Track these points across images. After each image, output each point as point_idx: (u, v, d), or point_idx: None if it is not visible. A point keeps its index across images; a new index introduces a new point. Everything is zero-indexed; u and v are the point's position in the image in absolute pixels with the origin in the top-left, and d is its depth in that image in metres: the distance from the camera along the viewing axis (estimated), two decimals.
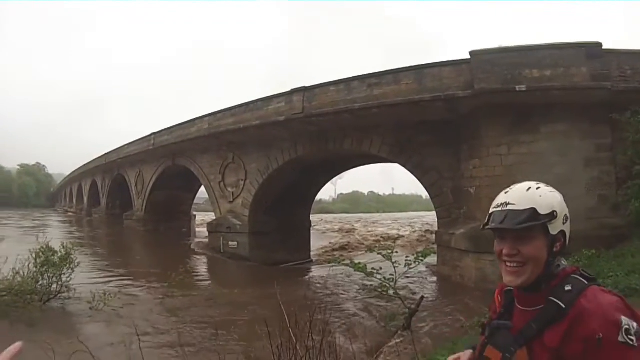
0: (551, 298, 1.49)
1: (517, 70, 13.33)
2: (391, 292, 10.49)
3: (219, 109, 24.02)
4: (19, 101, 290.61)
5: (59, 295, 11.45)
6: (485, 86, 13.55)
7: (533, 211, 1.54)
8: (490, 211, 1.64)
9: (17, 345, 1.12)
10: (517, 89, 13.04)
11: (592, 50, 13.25)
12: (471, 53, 14.16)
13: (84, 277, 14.53)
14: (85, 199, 56.20)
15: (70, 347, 6.25)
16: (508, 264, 1.58)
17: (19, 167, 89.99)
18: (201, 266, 22.59)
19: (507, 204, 1.59)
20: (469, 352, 1.76)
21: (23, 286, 10.33)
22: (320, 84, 18.40)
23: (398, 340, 9.22)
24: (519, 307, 1.63)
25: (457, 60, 14.79)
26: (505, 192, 1.64)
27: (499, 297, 1.78)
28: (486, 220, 1.65)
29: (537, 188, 1.61)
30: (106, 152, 45.04)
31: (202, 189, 30.37)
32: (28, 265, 10.89)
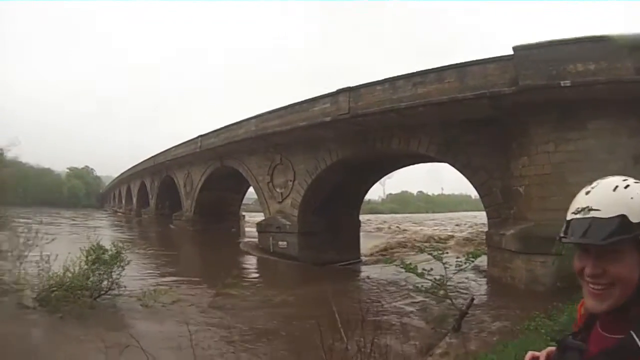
0: (632, 333, 1.22)
1: (561, 65, 13.09)
2: (441, 292, 10.80)
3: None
4: (69, 110, 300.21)
5: (109, 291, 11.79)
6: (530, 82, 13.39)
7: (623, 219, 1.27)
8: (568, 217, 1.37)
9: None
10: (562, 85, 12.87)
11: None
12: (514, 48, 14.04)
13: (135, 275, 15.09)
14: (134, 199, 58.40)
15: (120, 341, 6.80)
16: (591, 285, 1.32)
17: (68, 170, 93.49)
18: (250, 266, 23.06)
19: (589, 209, 1.32)
20: (551, 349, 1.51)
21: (74, 282, 10.71)
22: (365, 84, 18.60)
23: (448, 342, 9.41)
24: (599, 329, 1.37)
25: (501, 57, 14.72)
26: (587, 192, 1.36)
27: (582, 311, 1.50)
28: (563, 230, 1.38)
29: (626, 186, 1.32)
30: (153, 154, 46.85)
31: (251, 189, 31.14)
32: (79, 263, 11.25)
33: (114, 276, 11.82)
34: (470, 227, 37.01)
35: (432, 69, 16.35)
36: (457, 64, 15.75)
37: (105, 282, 11.66)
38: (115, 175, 79.95)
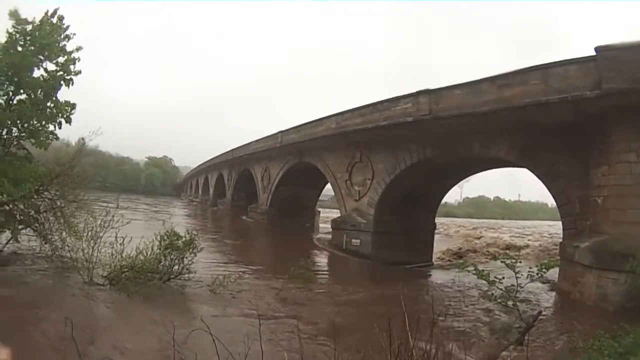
0: None
1: None
2: (510, 303, 10.91)
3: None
4: (150, 103, 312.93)
5: (179, 276, 12.13)
6: (613, 86, 12.60)
7: None
8: None
9: (3, 353, 1.17)
10: None
11: None
12: (597, 49, 13.20)
13: (206, 262, 15.64)
14: (211, 190, 61.27)
15: (186, 324, 7.22)
16: None
17: (146, 160, 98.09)
18: (322, 261, 23.47)
19: None
20: None
21: (145, 264, 11.26)
22: (446, 87, 18.45)
23: (509, 354, 9.41)
24: None
25: (583, 58, 13.85)
26: None
27: None
28: None
29: None
30: (232, 148, 49.04)
31: (328, 186, 31.89)
32: (151, 247, 11.71)
33: (185, 262, 12.28)
34: (547, 237, 36.19)
35: (517, 70, 15.81)
36: (540, 65, 15.11)
37: (176, 267, 12.13)
38: (193, 165, 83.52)
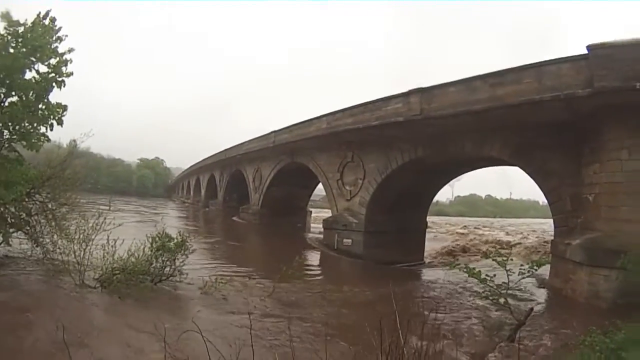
0: None
1: (638, 66, 12.23)
2: (502, 300, 10.71)
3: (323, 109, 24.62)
4: (146, 103, 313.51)
5: (170, 278, 11.93)
6: (605, 84, 12.61)
7: None
8: None
9: None
10: (638, 87, 12.04)
11: None
12: (589, 47, 13.21)
13: (198, 264, 15.51)
14: (203, 191, 61.32)
15: (178, 326, 7.10)
16: None
17: (138, 161, 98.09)
18: (314, 261, 23.34)
19: None
20: None
21: (137, 266, 11.03)
22: (439, 85, 18.38)
23: (500, 352, 9.43)
24: None
25: (576, 56, 13.91)
26: None
27: None
28: None
29: None
30: (225, 148, 48.94)
31: (319, 186, 31.91)
32: (143, 249, 11.49)
33: (177, 263, 12.09)
34: (538, 236, 36.29)
35: (511, 68, 15.71)
36: (534, 63, 15.04)
37: (167, 269, 11.91)
38: (185, 167, 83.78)
